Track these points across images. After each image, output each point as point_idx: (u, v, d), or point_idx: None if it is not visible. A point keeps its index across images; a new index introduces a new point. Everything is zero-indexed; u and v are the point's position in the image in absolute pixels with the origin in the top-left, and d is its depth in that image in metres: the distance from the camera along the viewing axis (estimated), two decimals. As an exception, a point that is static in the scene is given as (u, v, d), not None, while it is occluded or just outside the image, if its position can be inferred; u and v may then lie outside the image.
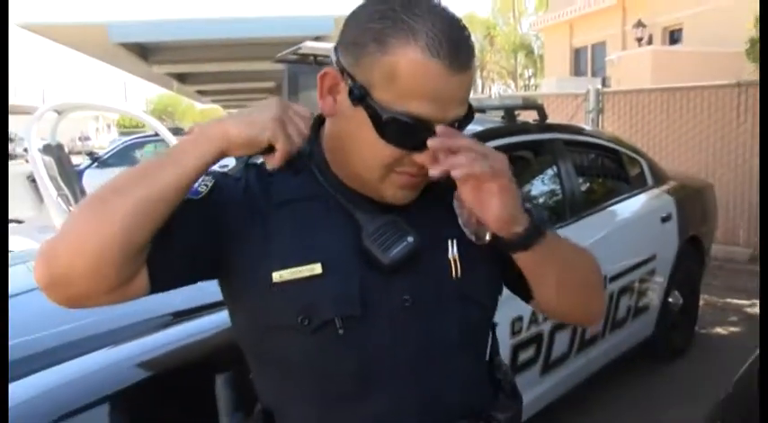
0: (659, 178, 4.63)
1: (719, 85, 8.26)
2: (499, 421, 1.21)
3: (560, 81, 17.39)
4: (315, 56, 4.01)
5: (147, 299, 1.09)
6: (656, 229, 4.26)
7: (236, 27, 11.37)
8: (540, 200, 3.69)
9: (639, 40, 18.70)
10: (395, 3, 1.02)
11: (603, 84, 11.53)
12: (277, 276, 1.08)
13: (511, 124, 3.64)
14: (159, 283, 1.06)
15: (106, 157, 12.96)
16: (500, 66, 46.28)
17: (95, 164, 12.36)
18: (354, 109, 1.05)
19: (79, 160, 13.15)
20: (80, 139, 38.25)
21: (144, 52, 12.63)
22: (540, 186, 3.75)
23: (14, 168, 7.18)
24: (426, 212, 1.16)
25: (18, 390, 1.66)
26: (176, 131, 8.09)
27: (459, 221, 1.14)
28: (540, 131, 3.74)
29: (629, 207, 4.17)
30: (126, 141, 14.23)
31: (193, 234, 1.08)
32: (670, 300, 4.45)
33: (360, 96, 1.04)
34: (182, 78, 16.30)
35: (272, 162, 1.08)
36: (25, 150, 5.26)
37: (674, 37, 19.78)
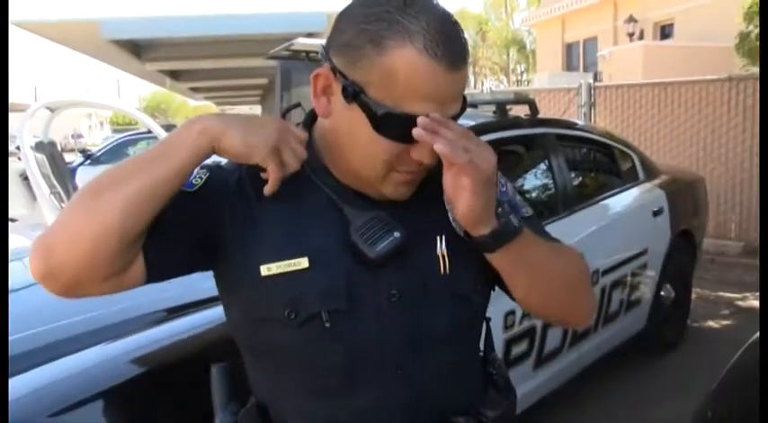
0: (651, 172, 4.65)
1: (710, 79, 8.29)
2: (488, 418, 1.21)
3: (552, 76, 17.40)
4: (307, 52, 4.00)
5: (141, 295, 1.10)
6: (648, 223, 4.28)
7: (229, 24, 11.34)
8: (533, 194, 3.71)
9: (631, 35, 18.72)
10: (389, 4, 1.02)
11: (595, 79, 11.57)
12: (265, 270, 1.09)
13: (502, 119, 3.65)
14: (155, 273, 1.07)
15: (99, 154, 12.94)
16: (492, 61, 46.29)
17: (88, 161, 12.33)
18: (349, 107, 1.05)
19: (72, 158, 13.11)
20: (73, 136, 38.01)
21: (137, 49, 12.59)
22: (532, 181, 3.76)
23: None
24: (416, 208, 1.16)
25: (13, 386, 1.66)
26: (169, 128, 8.07)
27: (450, 216, 1.14)
28: (531, 126, 3.75)
29: (621, 201, 4.19)
30: (119, 139, 14.22)
31: (188, 225, 1.09)
32: (662, 293, 4.47)
33: (354, 94, 1.04)
34: (174, 75, 16.25)
35: (267, 189, 1.09)
36: (17, 148, 5.25)
37: (665, 32, 19.80)
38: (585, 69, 20.87)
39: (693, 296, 5.27)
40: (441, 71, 1.01)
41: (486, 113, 3.71)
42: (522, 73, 45.62)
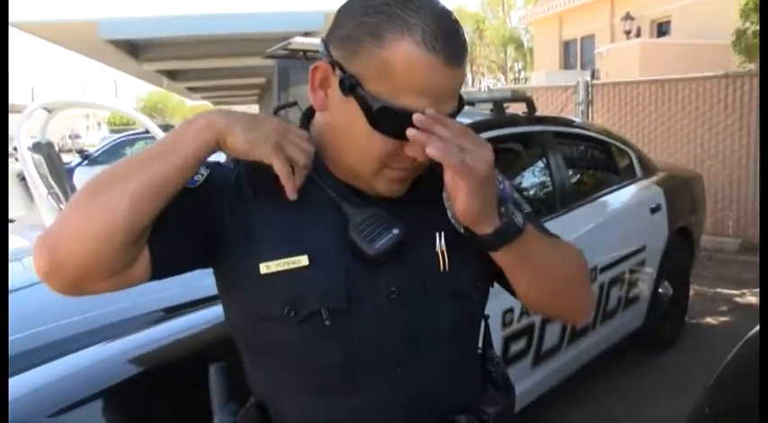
0: (648, 169, 4.66)
1: (707, 76, 8.31)
2: (489, 415, 1.21)
3: (550, 74, 17.42)
4: (305, 51, 4.00)
5: (139, 295, 1.10)
6: (646, 220, 4.29)
7: (226, 23, 11.32)
8: (530, 192, 3.71)
9: (628, 32, 18.74)
10: None
11: (593, 76, 11.54)
12: (264, 268, 1.09)
13: (500, 117, 3.65)
14: (159, 270, 1.07)
15: (97, 154, 12.93)
16: (490, 60, 46.29)
17: (86, 162, 12.34)
18: (346, 101, 1.05)
19: (69, 158, 13.10)
20: (70, 136, 37.99)
21: (134, 49, 12.56)
22: (530, 178, 3.77)
23: (4, 167, 7.14)
24: (415, 205, 1.16)
25: (12, 386, 1.67)
26: (166, 128, 8.08)
27: (448, 214, 1.14)
28: (529, 124, 3.76)
29: (619, 198, 4.19)
30: (117, 139, 14.21)
31: (191, 220, 1.09)
32: (660, 290, 4.48)
33: (351, 87, 1.04)
34: (172, 75, 16.21)
35: (288, 192, 1.08)
36: (15, 149, 5.24)
37: (662, 29, 19.82)
38: (583, 67, 20.88)
39: (691, 293, 5.28)
40: (438, 65, 1.01)
41: (484, 111, 3.71)
42: (519, 71, 45.64)
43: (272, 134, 1.06)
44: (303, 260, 1.09)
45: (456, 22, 1.05)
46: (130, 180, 0.99)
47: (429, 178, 1.15)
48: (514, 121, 3.70)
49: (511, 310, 2.97)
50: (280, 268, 1.09)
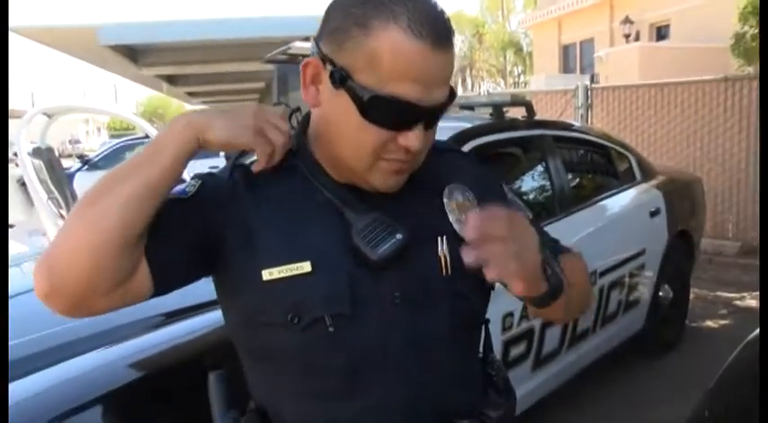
0: (648, 173, 4.66)
1: (706, 80, 8.31)
2: (491, 419, 1.22)
3: (549, 78, 17.45)
4: (304, 56, 4.01)
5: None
6: (646, 224, 4.29)
7: (225, 28, 11.33)
8: (530, 196, 3.71)
9: (627, 36, 18.75)
10: None
11: (592, 80, 11.58)
12: (266, 274, 1.09)
13: (499, 121, 3.66)
14: (160, 281, 1.06)
15: (97, 159, 12.95)
16: (489, 64, 46.29)
17: (86, 167, 12.35)
18: (337, 94, 1.06)
19: (70, 163, 13.12)
20: (70, 142, 38.07)
21: (133, 54, 12.57)
22: (530, 182, 3.77)
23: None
24: (416, 209, 1.16)
25: (12, 391, 1.67)
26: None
27: (450, 218, 1.15)
28: (528, 128, 3.76)
29: (618, 202, 4.20)
30: (116, 144, 14.23)
31: (186, 230, 1.09)
32: (660, 294, 4.47)
33: (341, 79, 1.05)
34: (171, 80, 16.20)
35: (256, 166, 1.12)
36: (15, 154, 5.25)
37: (661, 33, 19.84)
38: (582, 71, 20.91)
39: (691, 296, 5.27)
40: (426, 51, 1.02)
41: (483, 116, 3.72)
42: (519, 75, 45.62)
43: (250, 120, 1.08)
44: (306, 266, 1.09)
45: (442, 12, 1.06)
46: (119, 188, 0.99)
47: (427, 181, 1.16)
48: (514, 125, 3.71)
49: (511, 314, 2.97)
50: (282, 275, 1.09)
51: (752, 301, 5.95)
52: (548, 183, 3.65)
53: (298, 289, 1.09)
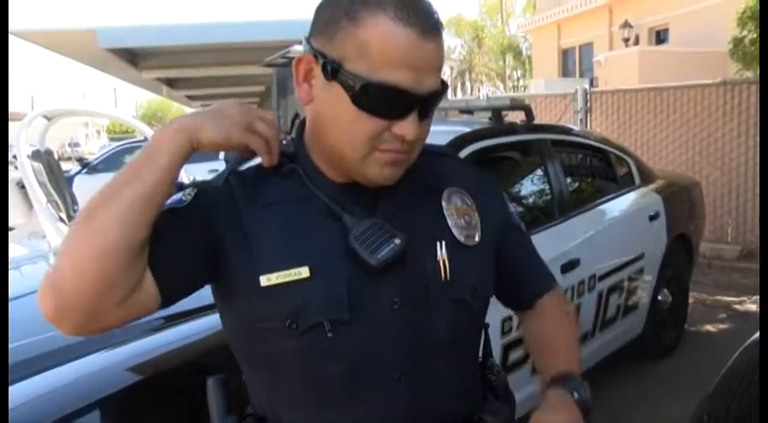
0: (647, 177, 4.66)
1: (705, 84, 8.32)
2: None
3: (548, 82, 17.45)
4: (303, 59, 4.02)
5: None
6: (645, 228, 4.29)
7: (225, 31, 11.33)
8: (529, 200, 3.71)
9: (626, 40, 18.78)
10: None
11: (591, 84, 11.57)
12: (265, 280, 1.09)
13: (499, 125, 3.66)
14: (166, 291, 1.06)
15: (96, 162, 12.92)
16: (488, 68, 46.32)
17: (85, 170, 12.31)
18: (330, 86, 1.07)
19: (69, 166, 13.11)
20: (70, 144, 38.11)
21: (133, 57, 12.57)
22: (529, 187, 3.77)
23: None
24: (414, 214, 1.16)
25: (11, 395, 1.66)
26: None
27: (449, 222, 1.15)
28: (527, 132, 3.76)
29: (618, 206, 4.20)
30: (116, 147, 14.19)
31: (185, 240, 1.09)
32: (659, 298, 4.47)
33: (333, 70, 1.05)
34: (171, 83, 16.22)
35: (265, 162, 1.13)
36: (14, 157, 5.25)
37: (660, 37, 19.87)
38: (581, 75, 20.93)
39: (691, 300, 5.27)
40: (414, 38, 1.03)
41: (483, 120, 3.72)
42: (518, 79, 45.64)
43: (239, 117, 1.08)
44: (304, 272, 1.09)
45: (430, 4, 1.08)
46: (117, 198, 0.99)
47: (426, 187, 1.16)
48: (513, 129, 3.71)
49: (510, 319, 2.97)
50: (280, 281, 1.09)
51: (751, 305, 5.95)
52: (547, 187, 3.65)
53: (296, 294, 1.09)
